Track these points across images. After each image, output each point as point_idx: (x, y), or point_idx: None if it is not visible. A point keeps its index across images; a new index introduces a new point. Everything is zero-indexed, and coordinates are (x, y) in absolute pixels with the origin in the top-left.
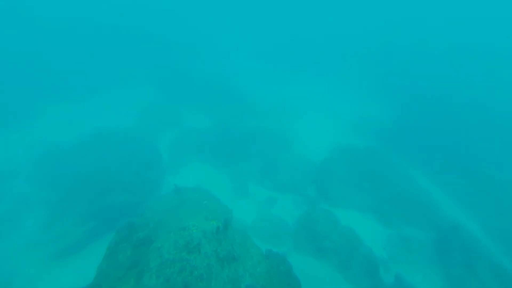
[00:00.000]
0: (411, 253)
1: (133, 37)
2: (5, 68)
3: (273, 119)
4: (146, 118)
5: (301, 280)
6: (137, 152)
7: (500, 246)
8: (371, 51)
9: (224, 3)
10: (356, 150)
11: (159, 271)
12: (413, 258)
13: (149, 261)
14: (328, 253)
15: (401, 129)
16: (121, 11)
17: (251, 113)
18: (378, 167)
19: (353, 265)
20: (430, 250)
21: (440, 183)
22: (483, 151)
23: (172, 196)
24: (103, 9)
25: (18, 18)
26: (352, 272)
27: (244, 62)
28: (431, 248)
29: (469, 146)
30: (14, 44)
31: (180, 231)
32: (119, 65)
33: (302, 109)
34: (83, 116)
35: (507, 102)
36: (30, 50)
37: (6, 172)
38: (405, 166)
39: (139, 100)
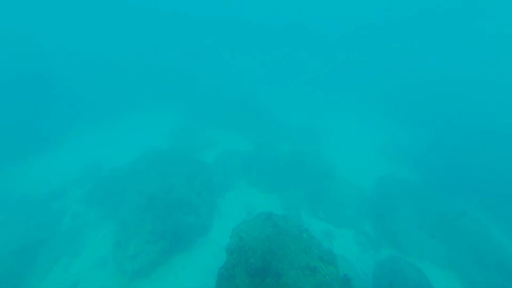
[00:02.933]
0: None
1: (157, 62)
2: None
3: (307, 142)
4: (180, 140)
5: None
6: (194, 173)
7: None
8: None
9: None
10: (409, 183)
11: None
12: None
13: None
14: None
15: (442, 158)
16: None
17: (285, 136)
18: (444, 208)
19: None
20: None
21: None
22: None
23: (261, 222)
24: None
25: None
26: None
27: (271, 84)
28: None
29: None
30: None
31: (310, 272)
32: (145, 89)
33: (333, 133)
34: (119, 139)
35: None
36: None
37: (56, 192)
38: (471, 207)
39: (168, 123)
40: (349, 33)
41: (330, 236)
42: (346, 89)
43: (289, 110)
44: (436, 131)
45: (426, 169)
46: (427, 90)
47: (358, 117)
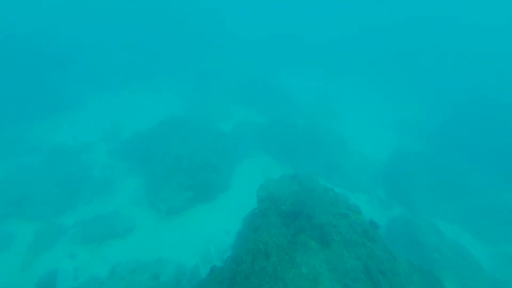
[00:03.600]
0: None
1: (173, 33)
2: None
3: (321, 117)
4: (196, 110)
5: None
6: (214, 139)
7: None
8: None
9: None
10: (422, 153)
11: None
12: None
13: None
14: (441, 270)
15: (457, 132)
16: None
17: (299, 111)
18: (456, 175)
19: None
20: None
21: None
22: None
23: (287, 180)
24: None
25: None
26: None
27: (284, 60)
28: None
29: None
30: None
31: (340, 217)
32: (159, 58)
33: (345, 108)
34: (137, 104)
35: None
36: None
37: (84, 147)
38: (483, 175)
39: (181, 92)
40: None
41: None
42: (360, 65)
43: (303, 87)
44: (452, 107)
45: (440, 143)
46: (443, 64)
47: (372, 93)
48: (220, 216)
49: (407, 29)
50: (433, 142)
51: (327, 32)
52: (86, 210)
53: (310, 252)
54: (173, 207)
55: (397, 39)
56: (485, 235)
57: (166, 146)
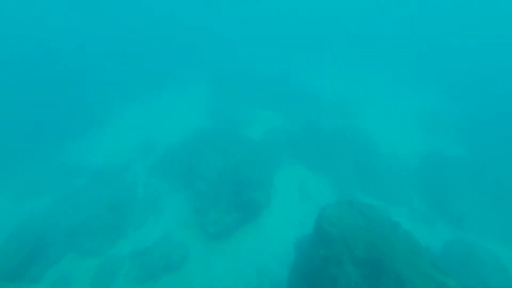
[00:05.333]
0: None
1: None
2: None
3: (345, 117)
4: (220, 117)
5: None
6: (249, 151)
7: None
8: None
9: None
10: (457, 158)
11: None
12: None
13: None
14: None
15: (491, 131)
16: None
17: (323, 111)
18: (499, 182)
19: None
20: None
21: None
22: None
23: (345, 209)
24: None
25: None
26: None
27: (303, 57)
28: None
29: None
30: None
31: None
32: (178, 66)
33: (370, 104)
34: (162, 116)
35: None
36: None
37: (123, 165)
38: None
39: (204, 99)
40: None
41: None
42: (380, 55)
43: (325, 84)
44: (476, 100)
45: (471, 141)
46: (467, 55)
47: (393, 84)
48: (267, 238)
49: (429, 21)
50: (466, 141)
51: (349, 26)
52: (138, 237)
53: None
54: (222, 231)
55: (420, 33)
56: None
57: (206, 161)
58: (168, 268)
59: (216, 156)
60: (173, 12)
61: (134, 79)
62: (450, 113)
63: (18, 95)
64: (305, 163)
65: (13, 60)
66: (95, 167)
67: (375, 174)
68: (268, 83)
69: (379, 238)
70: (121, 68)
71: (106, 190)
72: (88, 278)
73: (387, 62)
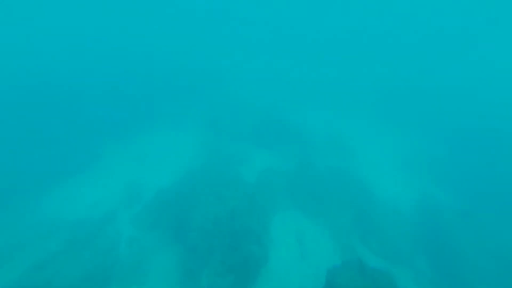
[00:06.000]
0: None
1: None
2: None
3: (339, 158)
4: (213, 154)
5: None
6: (250, 197)
7: None
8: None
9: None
10: (454, 210)
11: None
12: None
13: None
14: None
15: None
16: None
17: (314, 150)
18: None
19: None
20: None
21: None
22: None
23: (357, 276)
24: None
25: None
26: None
27: (294, 95)
28: None
29: None
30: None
31: None
32: (162, 105)
33: (360, 146)
34: (148, 158)
35: None
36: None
37: (106, 215)
38: None
39: (191, 138)
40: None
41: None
42: (363, 98)
43: (315, 124)
44: (461, 140)
45: (460, 184)
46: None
47: (380, 127)
48: None
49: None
50: (455, 184)
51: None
52: None
53: None
54: None
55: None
56: None
57: (200, 207)
58: None
59: (210, 201)
60: (162, 48)
61: (119, 118)
62: (436, 154)
63: None
64: (301, 208)
65: None
66: (74, 221)
67: (373, 224)
68: (261, 120)
69: None
70: (104, 106)
71: (85, 252)
72: None
73: (374, 104)
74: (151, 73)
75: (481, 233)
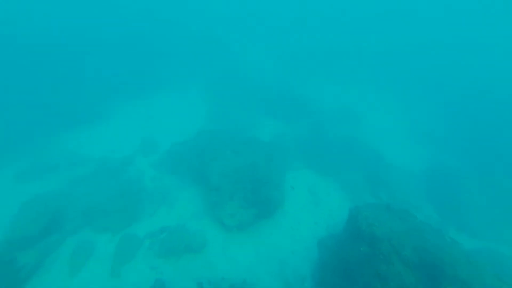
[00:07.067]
0: None
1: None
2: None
3: (348, 127)
4: (221, 122)
5: None
6: (268, 154)
7: None
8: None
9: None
10: (461, 169)
11: None
12: None
13: None
14: None
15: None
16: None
17: (326, 121)
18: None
19: None
20: None
21: None
22: None
23: (383, 212)
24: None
25: None
26: None
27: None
28: None
29: None
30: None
31: None
32: (172, 68)
33: (368, 117)
34: (161, 116)
35: None
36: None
37: (126, 159)
38: None
39: (200, 103)
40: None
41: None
42: (373, 73)
43: (325, 96)
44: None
45: (468, 151)
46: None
47: (387, 98)
48: (285, 235)
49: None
50: (464, 151)
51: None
52: (153, 222)
53: None
54: (240, 224)
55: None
56: None
57: (220, 159)
58: (188, 250)
59: (229, 156)
60: (174, 12)
61: (132, 77)
62: (444, 125)
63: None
64: (313, 168)
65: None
66: (98, 157)
67: (383, 181)
68: (268, 91)
69: (429, 243)
70: (118, 65)
71: (114, 179)
72: (110, 249)
73: (381, 75)
74: (160, 37)
75: (485, 186)
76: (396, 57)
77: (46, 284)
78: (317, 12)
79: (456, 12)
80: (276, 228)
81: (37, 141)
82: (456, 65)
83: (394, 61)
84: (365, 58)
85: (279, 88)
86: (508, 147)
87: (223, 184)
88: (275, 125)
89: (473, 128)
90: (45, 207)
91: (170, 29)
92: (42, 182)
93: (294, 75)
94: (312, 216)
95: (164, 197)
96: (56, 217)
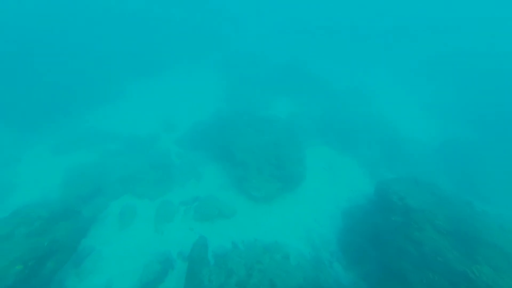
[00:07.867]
0: None
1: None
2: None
3: (362, 104)
4: (235, 101)
5: None
6: (290, 131)
7: None
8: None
9: None
10: (476, 143)
11: None
12: None
13: None
14: None
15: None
16: None
17: (338, 98)
18: None
19: None
20: None
21: None
22: None
23: (412, 186)
24: None
25: None
26: None
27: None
28: None
29: None
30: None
31: None
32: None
33: (382, 94)
34: (176, 96)
35: None
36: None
37: (151, 136)
38: None
39: (216, 85)
40: None
41: None
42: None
43: (336, 73)
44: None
45: (482, 127)
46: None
47: (400, 76)
48: (309, 205)
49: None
50: (478, 127)
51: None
52: (185, 192)
53: None
54: (266, 195)
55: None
56: None
57: (243, 136)
58: (221, 215)
59: (251, 133)
60: None
61: (145, 57)
62: (457, 101)
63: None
64: (330, 144)
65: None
66: (125, 133)
67: (400, 156)
68: (279, 70)
69: (460, 213)
70: (132, 44)
71: (143, 154)
72: (151, 212)
73: (393, 54)
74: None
75: (496, 158)
76: (409, 33)
77: (103, 235)
78: None
79: None
80: (300, 200)
81: (64, 120)
82: (469, 38)
83: (406, 38)
84: (378, 36)
85: (293, 66)
86: None
87: (248, 160)
88: (289, 104)
89: (486, 100)
90: (87, 174)
91: (184, 8)
92: (78, 154)
93: (309, 52)
94: (332, 189)
95: (191, 171)
96: (96, 184)
